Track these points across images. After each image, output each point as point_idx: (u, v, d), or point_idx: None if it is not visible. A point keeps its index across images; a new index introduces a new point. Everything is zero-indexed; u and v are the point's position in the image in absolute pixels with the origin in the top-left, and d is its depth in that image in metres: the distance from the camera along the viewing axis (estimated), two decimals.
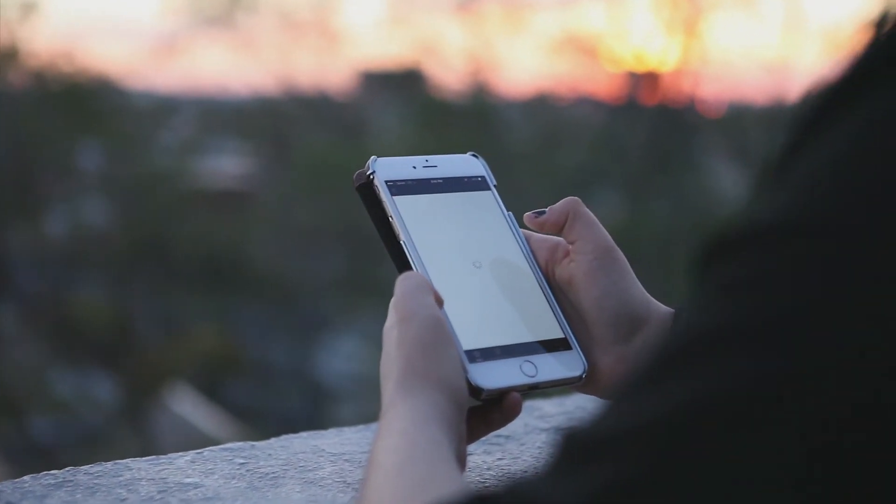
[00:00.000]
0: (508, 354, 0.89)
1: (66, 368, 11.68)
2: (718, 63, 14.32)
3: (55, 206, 13.14)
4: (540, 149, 13.42)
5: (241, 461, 1.00)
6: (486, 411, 0.87)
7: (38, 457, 9.44)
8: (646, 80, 13.58)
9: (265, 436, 1.11)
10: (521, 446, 1.07)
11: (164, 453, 1.02)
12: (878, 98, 0.49)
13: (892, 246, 0.46)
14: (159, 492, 0.92)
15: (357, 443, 1.06)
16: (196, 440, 8.73)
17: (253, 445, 1.05)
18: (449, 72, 14.15)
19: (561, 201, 0.95)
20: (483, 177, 0.99)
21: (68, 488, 0.93)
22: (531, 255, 0.96)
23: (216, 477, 0.96)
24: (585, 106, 14.31)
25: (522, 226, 0.97)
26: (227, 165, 14.65)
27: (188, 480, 0.95)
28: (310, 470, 0.99)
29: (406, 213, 0.93)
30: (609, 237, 0.93)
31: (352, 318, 12.12)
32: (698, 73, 13.59)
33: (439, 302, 0.84)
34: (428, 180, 0.96)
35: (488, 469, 1.00)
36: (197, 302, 12.49)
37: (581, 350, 0.92)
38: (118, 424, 10.99)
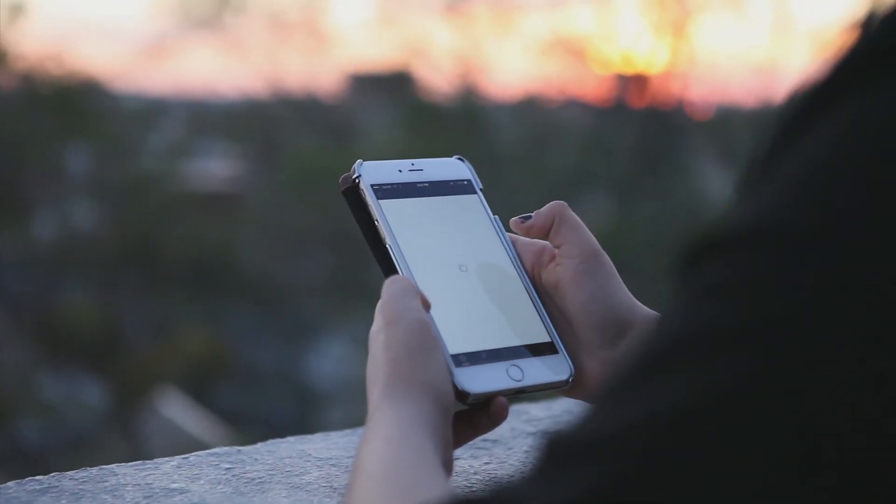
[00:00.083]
0: (495, 358, 0.89)
1: (53, 372, 11.66)
2: (707, 65, 14.37)
3: (43, 209, 13.12)
4: (529, 151, 13.44)
5: (228, 466, 1.00)
6: (472, 416, 0.87)
7: (26, 461, 9.42)
8: (634, 83, 13.60)
9: (254, 439, 1.11)
10: (508, 450, 1.07)
11: (153, 457, 1.02)
12: (862, 98, 0.49)
13: (877, 245, 0.46)
14: (145, 497, 0.92)
15: (343, 447, 1.06)
16: (184, 444, 8.71)
17: (239, 450, 1.04)
18: (438, 74, 14.17)
19: (547, 205, 0.95)
20: (469, 180, 0.99)
21: (53, 494, 0.92)
22: (517, 259, 0.96)
23: (202, 482, 0.96)
24: (574, 108, 14.33)
25: (509, 229, 0.97)
26: (215, 168, 14.64)
27: (174, 486, 0.95)
28: (296, 475, 0.98)
29: (392, 217, 0.93)
30: (595, 241, 0.93)
31: (340, 322, 12.12)
32: (687, 76, 13.62)
33: (426, 306, 0.84)
34: (414, 184, 0.96)
35: (475, 473, 1.00)
36: (185, 305, 12.48)
37: (567, 354, 0.92)
38: (106, 428, 10.97)
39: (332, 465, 1.01)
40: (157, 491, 0.93)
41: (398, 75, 14.54)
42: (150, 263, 12.36)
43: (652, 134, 13.06)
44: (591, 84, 14.63)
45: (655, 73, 13.54)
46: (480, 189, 0.99)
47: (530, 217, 0.95)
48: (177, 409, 10.78)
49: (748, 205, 0.50)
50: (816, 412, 0.46)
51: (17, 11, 12.67)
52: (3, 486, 0.93)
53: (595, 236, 0.94)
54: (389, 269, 0.91)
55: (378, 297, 0.84)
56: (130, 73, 14.98)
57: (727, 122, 13.66)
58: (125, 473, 0.97)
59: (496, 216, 0.98)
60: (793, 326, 0.47)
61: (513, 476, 0.53)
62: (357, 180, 0.94)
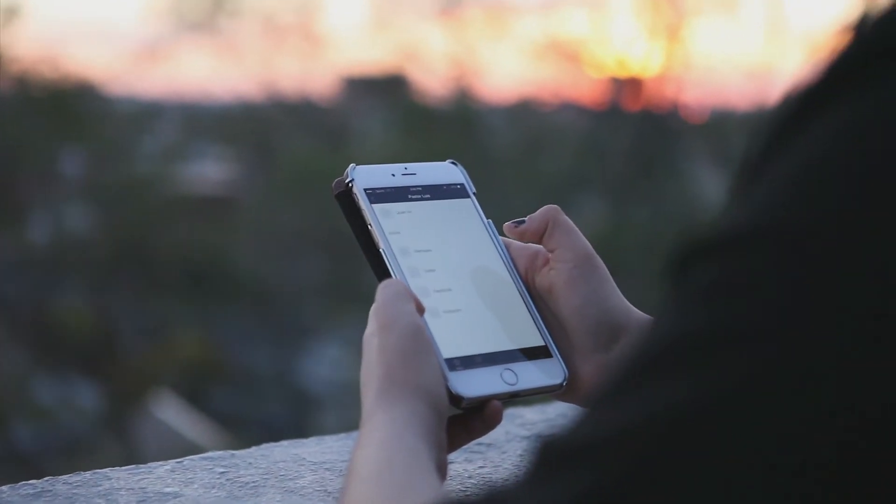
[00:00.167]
0: (489, 363, 0.89)
1: (48, 375, 11.65)
2: (701, 69, 14.39)
3: (37, 212, 13.11)
4: (523, 154, 13.44)
5: (222, 470, 1.00)
6: (466, 420, 0.87)
7: (20, 464, 9.41)
8: (629, 86, 13.62)
9: (248, 443, 1.10)
10: (502, 454, 1.07)
11: (147, 461, 1.02)
12: (856, 99, 0.49)
13: (872, 245, 0.46)
14: (138, 501, 0.92)
15: (338, 451, 1.06)
16: (179, 447, 8.71)
17: (233, 454, 1.04)
18: (432, 77, 14.18)
19: (540, 210, 0.95)
20: (462, 184, 0.99)
21: (47, 498, 0.92)
22: (511, 263, 0.96)
23: (196, 486, 0.96)
24: (568, 111, 14.34)
25: (502, 233, 0.97)
26: (209, 171, 14.63)
27: (168, 490, 0.95)
28: (290, 479, 0.98)
29: (385, 221, 0.93)
30: (588, 245, 0.93)
31: (334, 325, 12.12)
32: (681, 79, 13.64)
33: (420, 310, 0.84)
34: (407, 188, 0.96)
35: (469, 477, 1.00)
36: (180, 308, 12.47)
37: (561, 358, 0.91)
38: (100, 432, 10.97)
39: (327, 469, 1.01)
40: (151, 495, 0.93)
41: (392, 78, 14.55)
42: (144, 266, 12.36)
43: (646, 137, 13.07)
44: (585, 87, 14.68)
45: (650, 76, 13.56)
46: (474, 193, 0.99)
47: (524, 221, 0.95)
48: (171, 413, 10.78)
49: (741, 207, 0.50)
50: (813, 414, 0.46)
51: (11, 14, 12.66)
52: None
53: (589, 239, 0.94)
54: (383, 273, 0.91)
55: (372, 301, 0.84)
56: (125, 77, 14.98)
57: (721, 126, 13.68)
58: (119, 477, 0.97)
59: (490, 220, 0.98)
60: (788, 328, 0.47)
61: (507, 480, 0.53)
62: (350, 184, 0.94)
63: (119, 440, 10.62)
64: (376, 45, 15.40)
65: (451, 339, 0.87)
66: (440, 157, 1.00)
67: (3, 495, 0.92)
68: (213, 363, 11.93)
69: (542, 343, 0.92)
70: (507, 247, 0.96)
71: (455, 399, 0.85)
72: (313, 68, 15.48)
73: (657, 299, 0.52)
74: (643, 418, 0.47)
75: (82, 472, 0.97)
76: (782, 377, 0.46)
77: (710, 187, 12.65)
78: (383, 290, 0.84)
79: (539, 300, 0.94)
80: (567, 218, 0.94)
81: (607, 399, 0.50)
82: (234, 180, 14.51)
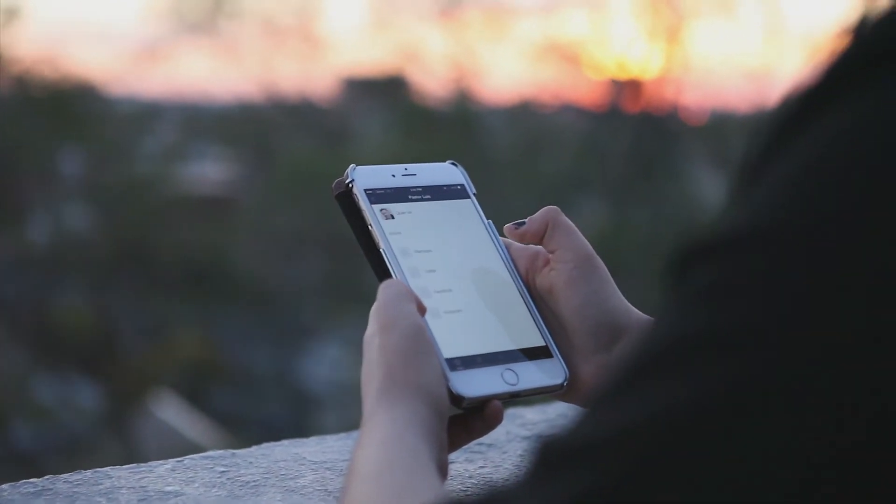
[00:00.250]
0: (489, 363, 0.89)
1: (48, 375, 11.65)
2: (701, 70, 14.39)
3: (37, 212, 13.11)
4: (523, 156, 13.44)
5: (222, 469, 1.00)
6: (467, 420, 0.87)
7: (21, 464, 9.40)
8: (628, 88, 13.61)
9: (248, 442, 1.11)
10: (503, 454, 1.07)
11: (147, 460, 1.02)
12: (855, 102, 0.49)
13: (870, 246, 0.46)
14: (139, 500, 0.92)
15: (338, 451, 1.06)
16: (179, 447, 8.70)
17: (234, 453, 1.04)
18: (432, 78, 14.18)
19: (540, 211, 0.95)
20: (462, 185, 0.99)
21: (48, 497, 0.92)
22: (511, 264, 0.96)
23: (197, 485, 0.96)
24: (568, 113, 14.34)
25: (503, 234, 0.97)
26: (209, 171, 14.63)
27: (169, 489, 0.95)
28: (291, 478, 0.98)
29: (386, 222, 0.93)
30: (589, 245, 0.93)
31: (334, 325, 12.12)
32: (681, 81, 13.64)
33: (422, 311, 0.84)
34: (407, 189, 0.96)
35: (470, 477, 1.00)
36: (179, 308, 12.47)
37: (562, 358, 0.92)
38: (101, 431, 10.97)
39: (327, 469, 1.01)
40: (152, 494, 0.93)
41: (392, 79, 14.55)
42: (144, 266, 12.36)
43: (646, 139, 13.07)
44: (585, 89, 14.67)
45: (649, 78, 13.56)
46: (474, 193, 0.99)
47: (524, 223, 0.95)
48: (171, 412, 10.78)
49: (741, 208, 0.50)
50: (813, 415, 0.46)
51: (11, 15, 12.66)
52: None
53: (589, 241, 0.94)
54: (384, 273, 0.91)
55: (372, 301, 0.84)
56: (125, 77, 14.98)
57: (721, 128, 13.67)
58: (120, 476, 0.97)
59: (490, 220, 0.98)
60: (787, 329, 0.47)
61: (507, 480, 0.53)
62: (350, 185, 0.94)
63: (119, 440, 10.62)
64: (376, 47, 15.41)
65: (452, 340, 0.88)
66: (440, 159, 1.00)
67: (5, 494, 0.92)
68: (213, 363, 11.93)
69: (543, 343, 0.92)
70: (508, 247, 0.97)
71: (456, 399, 0.85)
72: (313, 69, 15.48)
73: (657, 300, 0.52)
74: (643, 419, 0.48)
75: (83, 471, 0.97)
76: (782, 378, 0.46)
77: (709, 189, 12.65)
78: (385, 290, 0.84)
79: (539, 300, 0.94)
80: (567, 219, 0.94)
81: (607, 399, 0.50)
82: (233, 181, 14.51)
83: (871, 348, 0.46)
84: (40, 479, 0.95)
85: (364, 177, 0.94)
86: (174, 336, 12.13)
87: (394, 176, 0.96)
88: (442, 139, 12.49)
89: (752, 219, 0.49)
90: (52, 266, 12.35)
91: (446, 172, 0.99)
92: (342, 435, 1.12)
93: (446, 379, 0.84)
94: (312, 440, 1.10)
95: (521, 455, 1.06)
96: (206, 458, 1.02)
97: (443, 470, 0.77)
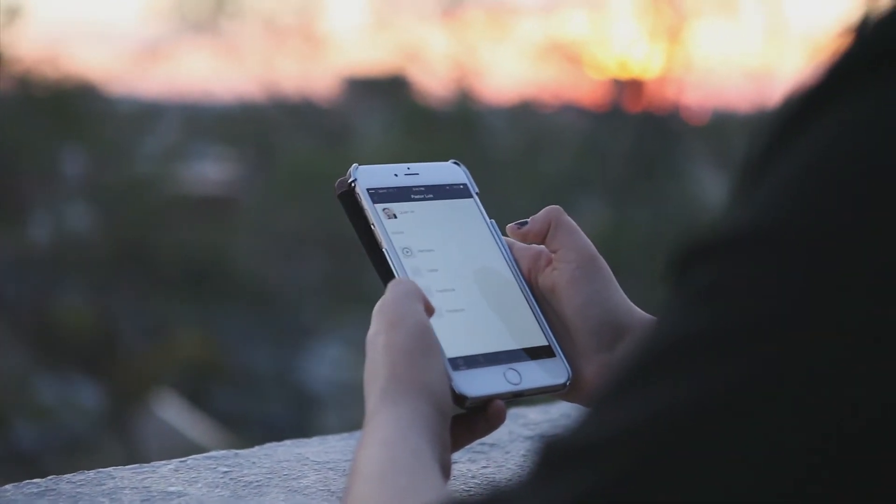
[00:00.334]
0: (492, 362, 0.89)
1: (49, 375, 11.65)
2: (702, 70, 14.38)
3: (39, 212, 13.11)
4: (524, 155, 13.44)
5: (225, 469, 1.00)
6: (470, 419, 0.87)
7: (22, 464, 9.41)
8: (630, 88, 13.61)
9: (250, 442, 1.11)
10: (505, 454, 1.07)
11: (149, 460, 1.02)
12: (856, 102, 0.49)
13: (871, 246, 0.47)
14: (143, 500, 0.92)
15: (341, 451, 1.06)
16: (181, 447, 8.70)
17: (237, 454, 1.05)
18: (433, 78, 14.17)
19: (542, 210, 0.95)
20: (465, 184, 0.99)
21: (51, 497, 0.93)
22: (514, 263, 0.96)
23: (200, 485, 0.96)
24: (569, 113, 14.33)
25: (505, 234, 0.98)
26: (210, 171, 14.63)
27: (172, 489, 0.95)
28: (293, 478, 0.99)
29: (388, 221, 0.93)
30: (591, 245, 0.93)
31: (335, 325, 12.12)
32: (682, 81, 13.64)
33: (430, 311, 0.84)
34: (410, 188, 0.96)
35: (473, 477, 1.00)
36: (180, 308, 12.47)
37: (565, 358, 0.92)
38: (102, 431, 10.97)
39: (330, 469, 1.01)
40: (155, 494, 0.93)
41: (393, 79, 14.54)
42: (145, 266, 12.36)
43: (647, 139, 13.07)
44: (586, 89, 14.66)
45: (651, 77, 13.56)
46: (476, 193, 0.99)
47: (526, 222, 0.95)
48: (173, 412, 10.79)
49: (742, 208, 0.50)
50: (814, 414, 0.46)
51: (13, 14, 12.66)
52: (0, 489, 0.93)
53: (591, 241, 0.94)
54: (386, 273, 0.92)
55: (375, 300, 0.84)
56: (126, 77, 14.97)
57: (722, 127, 13.67)
58: (123, 476, 0.97)
59: (492, 220, 0.98)
60: (788, 329, 0.47)
61: (510, 480, 0.53)
62: (353, 184, 0.94)
63: (120, 440, 10.62)
64: (377, 46, 15.39)
65: (455, 339, 0.88)
66: (441, 158, 1.00)
67: (8, 494, 0.92)
68: (214, 363, 11.93)
69: (546, 343, 0.92)
70: (510, 247, 0.97)
71: (458, 399, 0.85)
72: (314, 69, 15.49)
73: (658, 300, 0.52)
74: (645, 419, 0.48)
75: (86, 471, 0.97)
76: (783, 378, 0.46)
77: (710, 189, 12.65)
78: (394, 287, 0.84)
79: (542, 300, 0.94)
80: (569, 218, 0.94)
81: (609, 399, 0.50)
82: (234, 180, 14.51)
83: (873, 348, 0.46)
84: (43, 480, 0.96)
85: (366, 176, 0.94)
86: (175, 336, 12.13)
87: (396, 175, 0.96)
88: (443, 139, 12.49)
89: (754, 218, 0.49)
90: (52, 266, 12.35)
91: (449, 172, 0.99)
92: (345, 435, 1.12)
93: (449, 378, 0.84)
94: (315, 440, 1.10)
95: (523, 455, 1.06)
96: (209, 458, 1.03)
97: (446, 470, 0.77)
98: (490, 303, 0.93)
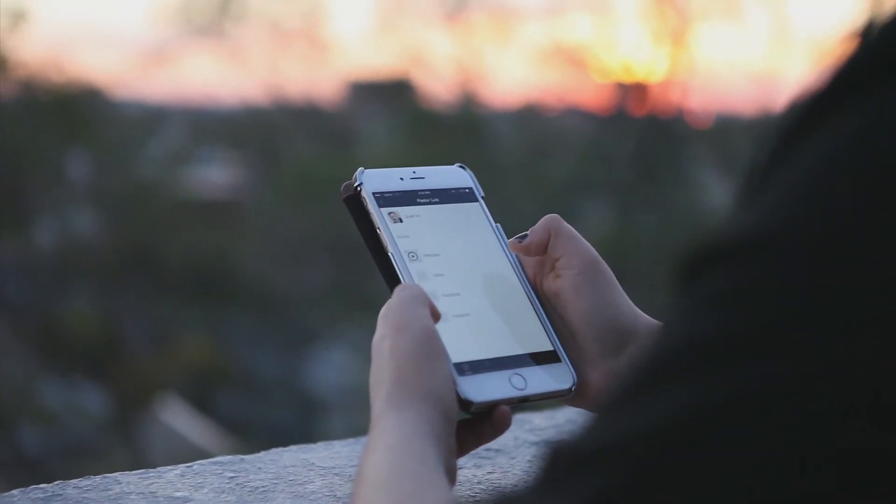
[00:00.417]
0: (497, 367, 0.89)
1: (54, 379, 11.65)
2: (706, 74, 14.37)
3: (43, 216, 13.12)
4: (528, 159, 13.43)
5: (231, 475, 1.00)
6: (475, 424, 0.87)
7: (27, 468, 9.42)
8: (634, 91, 13.60)
9: (255, 447, 1.11)
10: (511, 460, 1.07)
11: (154, 465, 1.02)
12: (862, 107, 0.49)
13: (877, 253, 0.47)
14: None
15: (347, 456, 1.06)
16: (186, 452, 8.71)
17: (242, 459, 1.05)
18: (438, 82, 14.18)
19: (541, 220, 0.95)
20: (471, 188, 0.99)
21: (57, 502, 0.93)
22: (519, 268, 0.96)
23: (206, 491, 0.96)
24: (574, 117, 14.33)
25: (510, 237, 0.97)
26: (215, 175, 14.64)
27: (178, 494, 0.95)
28: (299, 484, 0.99)
29: (394, 225, 0.93)
30: (593, 250, 0.93)
31: (341, 330, 12.12)
32: (686, 84, 13.63)
33: (436, 316, 0.84)
34: (415, 192, 0.96)
35: (479, 483, 1.00)
36: (186, 313, 12.47)
37: (570, 363, 0.92)
38: (107, 436, 10.97)
39: (336, 474, 1.01)
40: (161, 499, 0.94)
41: (398, 83, 14.55)
42: (150, 271, 12.36)
43: (651, 142, 13.06)
44: (590, 92, 14.64)
45: (655, 81, 13.55)
46: (482, 197, 0.99)
47: (526, 235, 0.95)
48: (177, 417, 10.79)
49: (748, 214, 0.50)
50: (819, 420, 0.46)
51: (18, 18, 12.68)
52: (7, 494, 0.93)
53: (595, 245, 0.94)
54: (392, 277, 0.92)
55: (379, 306, 0.84)
56: (131, 81, 14.97)
57: (727, 131, 13.66)
58: (129, 482, 0.97)
59: (498, 224, 0.98)
60: (794, 335, 0.47)
61: (516, 485, 0.53)
62: (359, 188, 0.94)
63: (125, 444, 10.62)
64: (382, 50, 15.39)
65: (460, 344, 0.88)
66: (446, 162, 1.00)
67: (15, 499, 0.93)
68: (220, 368, 11.92)
69: (551, 348, 0.92)
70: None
71: (464, 404, 0.85)
72: (319, 73, 15.49)
73: (663, 304, 0.52)
74: (652, 424, 0.48)
75: (93, 477, 0.97)
76: (790, 383, 0.46)
77: (715, 192, 12.64)
78: (400, 292, 0.84)
79: (547, 305, 0.94)
80: (568, 225, 0.94)
81: (616, 405, 0.50)
82: (239, 184, 14.52)
83: (879, 352, 0.46)
84: (50, 485, 0.96)
85: (372, 180, 0.95)
86: (180, 340, 12.13)
87: (402, 179, 0.96)
88: (448, 143, 12.48)
89: (761, 224, 0.49)
90: (58, 270, 12.35)
91: (454, 175, 0.99)
92: (350, 440, 1.12)
93: (454, 383, 0.84)
94: (321, 445, 1.10)
95: (529, 461, 1.06)
96: (214, 463, 1.03)
97: (451, 475, 0.78)
98: (495, 307, 0.93)
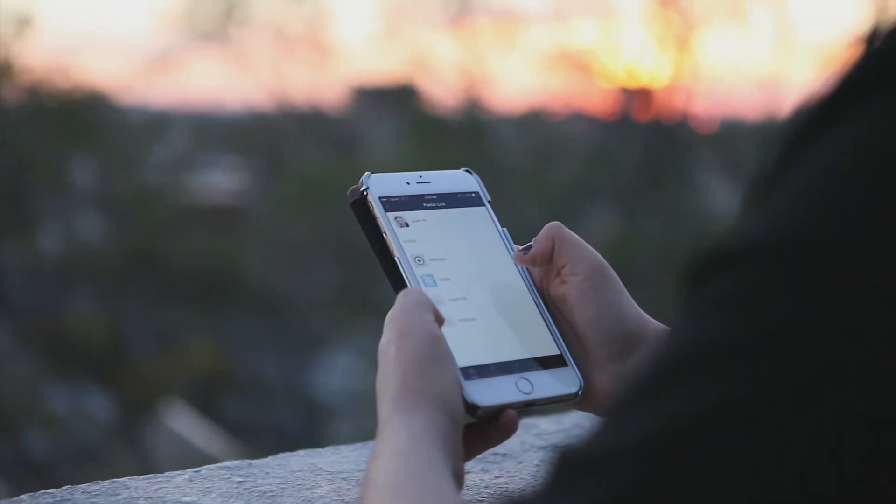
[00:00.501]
0: (504, 371, 0.89)
1: (59, 384, 11.65)
2: (711, 79, 14.36)
3: (48, 221, 13.13)
4: (533, 164, 13.43)
5: (239, 479, 1.00)
6: (482, 428, 0.87)
7: (33, 473, 9.42)
8: (638, 96, 13.59)
9: (261, 452, 1.11)
10: (518, 464, 1.07)
11: (160, 470, 1.02)
12: (868, 112, 0.49)
13: (884, 257, 0.47)
14: None
15: (354, 461, 1.06)
16: (191, 456, 8.71)
17: (250, 464, 1.05)
18: (442, 87, 14.17)
19: (543, 230, 0.95)
20: (477, 192, 0.99)
21: None
22: (526, 272, 0.96)
23: (214, 496, 0.96)
24: (578, 122, 14.32)
25: (517, 242, 0.98)
26: (220, 181, 14.65)
27: (186, 499, 0.95)
28: (307, 488, 0.99)
29: (400, 230, 0.93)
30: (598, 256, 0.93)
31: (346, 334, 12.11)
32: (691, 89, 13.62)
33: (440, 321, 0.84)
34: (422, 196, 0.96)
35: (486, 487, 1.00)
36: (191, 317, 12.48)
37: (577, 367, 0.92)
38: (113, 440, 10.97)
39: (343, 479, 1.01)
40: None
41: (402, 88, 14.54)
42: (155, 276, 12.36)
43: (656, 147, 13.06)
44: (595, 98, 14.63)
45: (659, 86, 13.54)
46: (488, 201, 0.99)
47: (531, 246, 0.95)
48: (183, 422, 10.79)
49: (755, 218, 0.51)
50: (828, 423, 0.46)
51: (23, 24, 12.70)
52: (16, 499, 0.93)
53: (599, 250, 0.94)
54: (398, 281, 0.92)
55: (385, 310, 0.84)
56: (135, 86, 14.98)
57: (731, 136, 13.65)
58: (137, 487, 0.97)
59: (504, 228, 0.98)
60: (801, 339, 0.47)
61: (523, 490, 0.53)
62: (365, 193, 0.94)
63: (130, 449, 10.62)
64: (386, 56, 15.40)
65: (466, 348, 0.88)
66: (451, 168, 1.00)
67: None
68: (225, 372, 11.92)
69: (558, 352, 0.92)
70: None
71: (470, 408, 0.85)
72: (323, 78, 15.51)
73: (669, 308, 0.52)
74: (660, 428, 0.48)
75: (101, 482, 0.98)
76: (799, 388, 0.46)
77: (719, 197, 12.63)
78: (403, 297, 0.84)
79: (554, 309, 0.94)
80: (571, 232, 0.94)
81: (625, 409, 0.50)
82: (244, 190, 14.52)
83: (885, 359, 0.46)
84: (59, 490, 0.96)
85: (379, 184, 0.95)
86: (185, 345, 12.13)
87: (408, 183, 0.96)
88: (452, 148, 12.48)
89: (769, 229, 0.49)
90: (63, 275, 12.36)
91: (461, 180, 0.99)
92: (357, 445, 1.12)
93: (461, 388, 0.84)
94: (328, 450, 1.10)
95: (536, 465, 1.06)
96: (222, 468, 1.03)
97: (459, 479, 0.78)
98: (502, 312, 0.93)
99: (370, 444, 1.05)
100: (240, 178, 14.73)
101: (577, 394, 0.91)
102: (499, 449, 0.99)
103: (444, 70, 14.22)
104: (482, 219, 0.98)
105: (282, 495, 0.97)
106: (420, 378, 0.79)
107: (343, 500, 0.96)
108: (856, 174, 0.48)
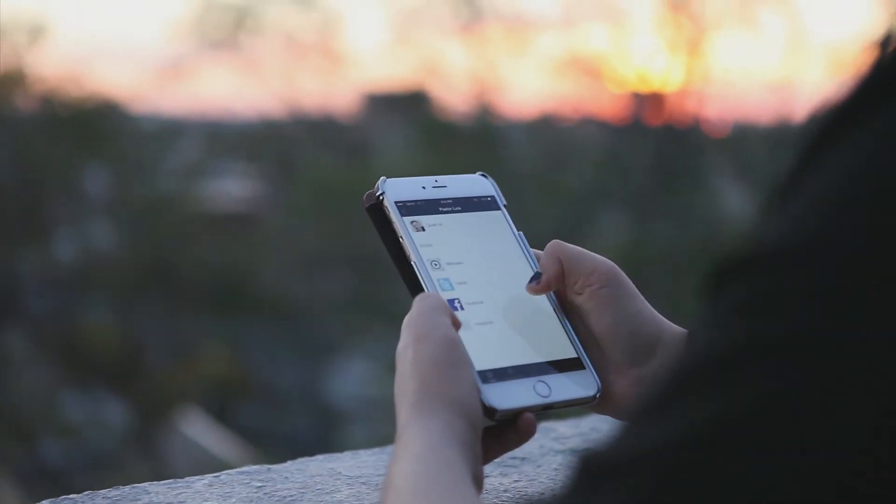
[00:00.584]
0: (521, 375, 0.89)
1: (75, 392, 11.68)
2: (722, 83, 14.33)
3: (63, 230, 13.16)
4: (545, 170, 13.42)
5: (259, 484, 1.00)
6: (500, 432, 0.87)
7: (49, 481, 9.43)
8: (650, 101, 13.58)
9: (276, 459, 1.11)
10: (537, 468, 1.07)
11: (176, 477, 1.03)
12: (885, 117, 0.49)
13: None
14: None
15: (373, 465, 1.07)
16: (207, 463, 8.72)
17: (269, 469, 1.05)
18: (453, 93, 14.18)
19: (545, 253, 0.94)
20: (493, 196, 0.99)
21: None
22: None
23: (234, 500, 0.96)
24: (590, 127, 14.30)
25: (533, 245, 0.98)
26: (232, 188, 14.67)
27: None
28: (327, 493, 0.99)
29: (416, 234, 0.93)
30: (607, 261, 0.93)
31: (360, 340, 12.12)
32: (702, 93, 13.60)
33: (456, 325, 0.84)
34: (438, 200, 0.96)
35: (505, 491, 1.00)
36: (205, 325, 12.50)
37: (595, 370, 0.92)
38: (128, 448, 10.98)
39: (363, 483, 1.02)
40: None
41: (414, 94, 14.55)
42: (169, 283, 12.38)
43: (668, 152, 13.04)
44: (606, 102, 14.61)
45: (671, 91, 13.52)
46: (504, 205, 0.99)
47: (540, 274, 0.94)
48: (198, 429, 10.79)
49: (774, 223, 0.51)
50: (852, 428, 0.46)
51: (36, 34, 12.74)
52: None
53: (611, 254, 0.94)
54: (415, 285, 0.92)
55: (400, 315, 0.85)
56: (148, 95, 15.02)
57: (743, 140, 13.62)
58: (157, 492, 0.98)
59: (520, 232, 0.98)
60: (822, 343, 0.47)
61: (542, 493, 0.54)
62: (381, 197, 0.94)
63: (146, 456, 10.63)
64: (397, 62, 15.41)
65: (484, 352, 0.88)
66: (464, 173, 1.00)
67: None
68: (239, 379, 11.93)
69: (575, 355, 0.92)
70: (539, 259, 0.97)
71: (488, 411, 0.85)
72: (335, 85, 15.52)
73: (682, 312, 0.53)
74: (682, 433, 0.48)
75: (121, 487, 0.98)
76: (821, 392, 0.46)
77: (732, 201, 12.61)
78: (420, 301, 0.85)
79: (571, 312, 0.94)
80: (573, 246, 0.94)
81: (646, 414, 0.50)
82: (256, 197, 14.55)
83: None
84: (79, 495, 0.96)
85: (394, 189, 0.95)
86: (200, 352, 12.15)
87: (424, 188, 0.96)
88: (464, 154, 12.48)
89: (787, 234, 0.49)
90: (78, 283, 12.39)
91: (476, 184, 0.99)
92: (376, 450, 1.12)
93: (479, 391, 0.84)
94: (347, 455, 1.10)
95: (555, 469, 1.06)
96: (242, 473, 1.03)
97: (478, 482, 0.78)
98: (519, 315, 0.93)
99: (389, 448, 1.05)
100: (252, 185, 14.76)
101: (594, 397, 0.91)
102: (517, 452, 0.99)
103: (455, 76, 14.23)
104: (498, 223, 0.98)
105: (301, 500, 0.97)
106: (438, 382, 0.79)
107: None
108: (873, 181, 0.48)
